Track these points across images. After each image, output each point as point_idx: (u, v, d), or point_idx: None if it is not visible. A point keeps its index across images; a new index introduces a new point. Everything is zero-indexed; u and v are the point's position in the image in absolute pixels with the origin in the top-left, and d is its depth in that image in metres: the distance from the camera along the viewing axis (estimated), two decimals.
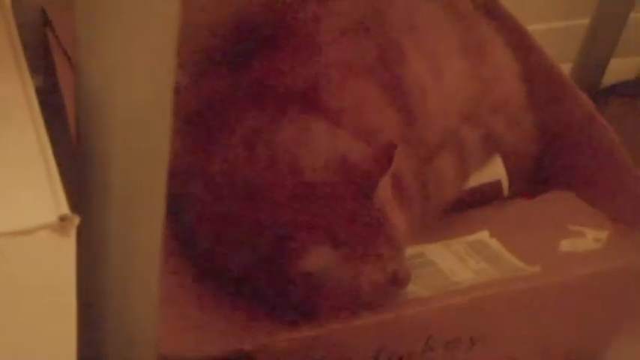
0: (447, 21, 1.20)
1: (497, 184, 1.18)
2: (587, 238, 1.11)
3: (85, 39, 0.60)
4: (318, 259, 0.91)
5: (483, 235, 1.11)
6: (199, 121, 1.03)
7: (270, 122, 0.99)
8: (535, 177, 1.23)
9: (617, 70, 1.50)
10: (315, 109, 1.01)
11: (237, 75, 1.05)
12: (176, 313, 0.93)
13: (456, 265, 1.06)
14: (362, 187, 0.94)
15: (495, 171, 1.18)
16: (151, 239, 0.66)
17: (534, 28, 1.32)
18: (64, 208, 0.56)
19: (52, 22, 1.17)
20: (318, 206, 0.92)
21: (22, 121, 0.62)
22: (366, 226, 0.93)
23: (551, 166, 1.23)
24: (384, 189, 0.96)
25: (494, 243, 1.10)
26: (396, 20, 1.14)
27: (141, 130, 0.61)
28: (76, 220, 0.55)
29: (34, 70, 1.17)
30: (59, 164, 0.61)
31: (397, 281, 0.95)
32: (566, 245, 1.09)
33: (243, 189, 0.94)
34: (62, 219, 0.55)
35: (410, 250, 1.03)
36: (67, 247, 0.56)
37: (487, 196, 1.18)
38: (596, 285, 1.07)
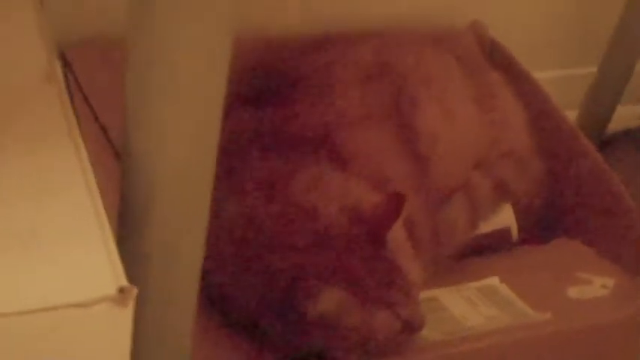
0: (457, 69, 1.22)
1: (506, 231, 1.20)
2: (594, 285, 1.12)
3: (134, 107, 0.62)
4: (331, 299, 0.92)
5: (493, 280, 1.12)
6: (217, 163, 1.04)
7: (284, 168, 1.01)
8: (543, 222, 1.24)
9: (623, 117, 1.52)
10: (330, 157, 1.03)
11: (256, 120, 1.07)
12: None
13: (467, 310, 1.07)
14: (374, 234, 0.95)
15: (505, 218, 1.19)
16: (191, 273, 0.67)
17: (541, 75, 1.34)
18: (123, 280, 0.56)
19: (71, 65, 1.19)
20: (331, 251, 0.94)
21: (77, 189, 0.63)
22: (379, 271, 0.95)
23: (557, 212, 1.24)
24: (397, 236, 0.97)
25: (504, 289, 1.11)
26: (407, 69, 1.16)
27: (184, 192, 0.62)
28: (134, 291, 0.56)
29: None
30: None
31: (411, 327, 0.97)
32: (574, 292, 1.11)
33: (258, 232, 0.96)
34: (121, 291, 0.55)
35: (422, 295, 1.03)
36: (125, 317, 0.56)
37: (497, 242, 1.19)
38: (605, 332, 1.08)
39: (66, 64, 1.20)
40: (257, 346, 0.97)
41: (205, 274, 0.99)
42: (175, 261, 0.65)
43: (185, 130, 0.61)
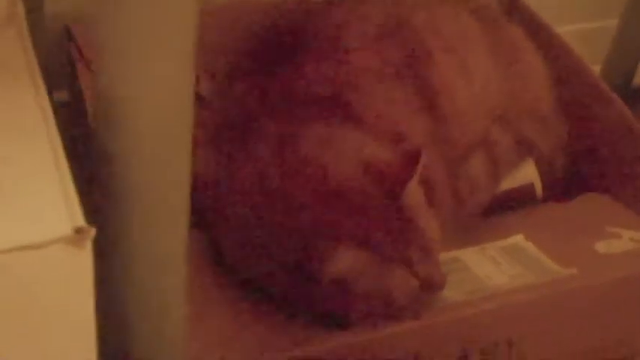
0: (474, 24, 1.19)
1: (530, 187, 1.17)
2: (623, 239, 1.09)
3: (105, 47, 0.60)
4: (347, 261, 0.89)
5: (518, 238, 1.09)
6: (229, 130, 1.03)
7: (297, 128, 0.98)
8: (568, 180, 1.21)
9: None
10: (342, 115, 1.01)
11: (266, 83, 1.05)
12: (207, 326, 0.92)
13: (491, 269, 1.04)
14: (389, 190, 0.93)
15: (528, 174, 1.17)
16: (175, 244, 0.65)
17: (563, 29, 1.31)
18: (80, 220, 0.55)
19: (75, 39, 1.17)
20: (345, 210, 0.91)
21: (36, 134, 0.62)
22: (395, 229, 0.92)
23: (584, 168, 1.22)
24: (414, 193, 0.94)
25: (529, 246, 1.08)
26: (421, 24, 1.13)
27: (162, 137, 0.60)
28: (92, 231, 0.54)
29: (59, 86, 1.18)
30: (80, 178, 0.60)
31: (431, 286, 0.94)
32: (602, 247, 1.08)
33: (271, 195, 0.94)
34: (77, 231, 0.54)
35: (445, 255, 1.01)
36: (83, 259, 0.55)
37: (520, 199, 1.16)
38: (633, 285, 1.05)
39: (71, 39, 1.19)
40: (276, 312, 0.94)
41: (219, 238, 0.99)
42: (159, 211, 0.62)
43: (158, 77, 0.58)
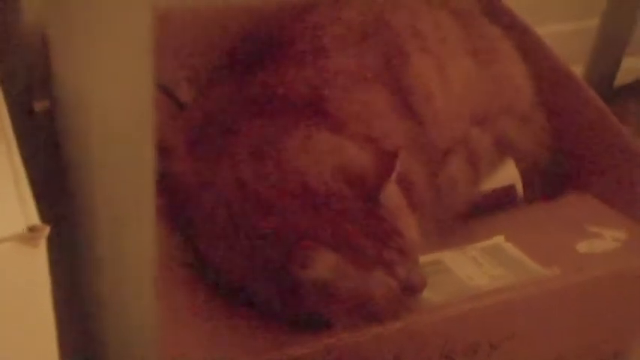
0: (453, 26, 1.19)
1: (511, 189, 1.17)
2: (605, 239, 1.09)
3: (60, 49, 0.60)
4: (326, 264, 0.89)
5: (499, 239, 1.09)
6: (209, 133, 1.03)
7: (275, 132, 0.98)
8: (549, 179, 1.21)
9: (631, 68, 1.48)
10: (320, 118, 1.01)
11: (244, 87, 1.05)
12: (188, 327, 0.91)
13: (473, 271, 1.04)
14: (367, 193, 0.92)
15: (509, 175, 1.17)
16: (142, 244, 0.64)
17: (543, 30, 1.31)
18: (34, 219, 0.54)
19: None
20: (324, 214, 0.91)
21: None
22: (374, 231, 0.92)
23: (565, 167, 1.21)
24: (393, 194, 0.94)
25: (510, 247, 1.08)
26: (400, 26, 1.13)
27: (120, 138, 0.60)
28: (46, 230, 0.54)
29: (41, 94, 1.17)
30: (61, 189, 0.60)
31: (411, 288, 0.94)
32: (584, 246, 1.08)
33: (251, 199, 0.93)
34: (31, 229, 0.54)
35: (426, 258, 1.01)
36: (38, 257, 0.54)
37: (502, 200, 1.16)
38: (615, 285, 1.05)
39: (49, 48, 1.18)
40: (257, 314, 0.94)
41: (198, 242, 0.99)
42: (123, 211, 0.62)
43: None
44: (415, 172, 1.03)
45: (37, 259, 0.54)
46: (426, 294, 0.96)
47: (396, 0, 1.18)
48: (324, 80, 1.05)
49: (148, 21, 0.57)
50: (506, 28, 1.27)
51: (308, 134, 0.98)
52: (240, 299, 0.94)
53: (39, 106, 1.20)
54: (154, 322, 0.67)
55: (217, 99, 1.07)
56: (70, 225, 0.62)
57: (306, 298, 0.91)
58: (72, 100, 0.59)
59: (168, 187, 0.96)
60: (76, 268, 0.57)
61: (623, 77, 1.48)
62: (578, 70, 1.40)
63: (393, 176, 0.93)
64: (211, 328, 0.93)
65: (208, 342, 0.91)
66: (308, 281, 0.89)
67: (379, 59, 1.08)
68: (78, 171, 0.60)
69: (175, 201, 0.99)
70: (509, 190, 1.17)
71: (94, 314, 0.64)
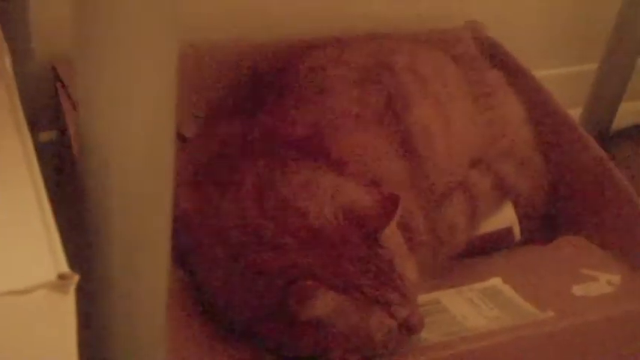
0: (454, 70, 1.21)
1: (508, 231, 1.18)
2: (600, 282, 1.10)
3: (85, 91, 0.61)
4: (325, 303, 0.90)
5: (496, 281, 1.10)
6: (211, 170, 1.04)
7: (278, 171, 0.99)
8: (546, 222, 1.23)
9: (628, 113, 1.50)
10: (322, 159, 1.02)
11: (247, 125, 1.06)
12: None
13: (469, 311, 1.05)
14: (368, 234, 0.94)
15: (507, 217, 1.18)
16: (156, 288, 0.66)
17: (542, 74, 1.33)
18: (63, 266, 0.55)
19: (62, 79, 1.19)
20: (325, 253, 0.92)
21: (20, 179, 0.62)
22: (374, 272, 0.93)
23: (561, 210, 1.23)
24: (393, 236, 0.96)
25: (506, 289, 1.09)
26: (401, 69, 1.14)
27: (141, 179, 0.61)
28: (75, 277, 0.55)
29: (46, 126, 1.19)
30: (69, 218, 0.61)
31: (409, 328, 0.95)
32: (579, 290, 1.09)
33: (251, 236, 0.95)
34: (61, 277, 0.54)
35: (424, 297, 1.02)
36: (67, 304, 0.55)
37: (499, 242, 1.18)
38: (610, 329, 1.06)
39: (58, 79, 1.20)
40: (256, 351, 0.95)
41: (199, 279, 1.00)
42: (139, 252, 0.63)
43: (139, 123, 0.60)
44: (414, 213, 1.05)
45: (66, 306, 0.55)
46: (423, 334, 0.97)
47: (398, 43, 1.20)
48: (326, 121, 1.06)
49: (173, 72, 0.59)
50: (507, 71, 1.29)
51: (310, 173, 0.99)
52: (241, 335, 0.95)
53: (44, 136, 1.22)
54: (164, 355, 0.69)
55: (220, 136, 1.08)
56: (81, 257, 0.63)
57: (304, 336, 0.92)
58: (96, 139, 0.60)
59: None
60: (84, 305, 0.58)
61: (620, 122, 1.50)
62: (575, 113, 1.42)
63: (395, 219, 0.94)
64: None
65: None
66: (306, 319, 0.91)
67: (381, 101, 1.10)
68: (95, 206, 0.62)
69: (176, 237, 1.00)
70: (506, 232, 1.18)
71: (105, 345, 0.66)
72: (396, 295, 0.93)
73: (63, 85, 1.19)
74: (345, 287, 0.91)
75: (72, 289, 0.55)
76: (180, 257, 1.00)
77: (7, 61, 0.75)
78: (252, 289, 0.93)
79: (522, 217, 1.19)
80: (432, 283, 1.05)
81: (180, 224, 1.01)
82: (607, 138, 1.46)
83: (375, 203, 0.95)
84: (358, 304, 0.92)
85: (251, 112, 1.09)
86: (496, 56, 1.33)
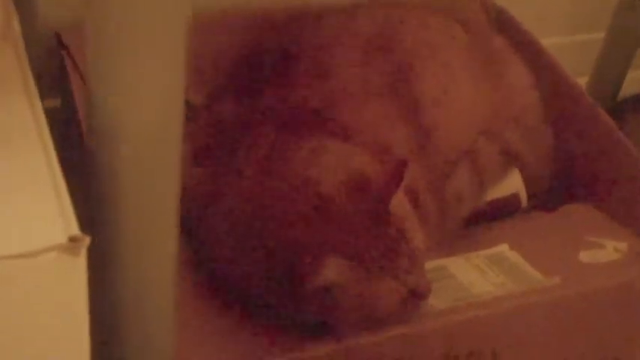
0: (461, 37, 1.20)
1: (515, 197, 1.18)
2: (607, 249, 1.10)
3: (95, 60, 0.61)
4: (333, 272, 0.90)
5: (503, 248, 1.10)
6: (218, 142, 1.04)
7: (285, 141, 0.99)
8: (553, 190, 1.22)
9: (634, 82, 1.50)
10: (329, 129, 1.02)
11: (253, 98, 1.06)
12: (194, 334, 0.92)
13: (476, 278, 1.05)
14: (376, 202, 0.94)
15: (513, 184, 1.18)
16: (165, 257, 0.66)
17: (549, 42, 1.32)
18: (74, 229, 0.55)
19: (67, 46, 1.18)
20: (332, 222, 0.92)
21: (30, 143, 0.62)
22: (382, 240, 0.93)
23: (568, 178, 1.23)
24: (401, 204, 0.95)
25: (513, 256, 1.09)
26: (408, 38, 1.14)
27: (151, 150, 0.61)
28: (87, 240, 0.55)
29: (51, 92, 1.18)
30: (73, 185, 0.61)
31: (417, 295, 0.95)
32: (586, 257, 1.09)
33: (259, 207, 0.95)
34: (72, 239, 0.54)
35: (430, 264, 1.02)
36: (78, 267, 0.55)
37: (505, 209, 1.17)
38: (616, 295, 1.07)
39: (63, 47, 1.20)
40: (263, 322, 0.95)
41: (207, 251, 1.00)
42: (148, 223, 0.63)
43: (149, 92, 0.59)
44: (421, 181, 1.04)
45: (78, 269, 0.55)
46: (430, 300, 0.98)
47: (406, 11, 1.20)
48: (333, 91, 1.06)
49: (184, 39, 0.58)
50: (514, 39, 1.28)
51: (317, 143, 0.99)
52: (249, 305, 0.96)
53: (48, 103, 1.21)
54: (173, 329, 0.69)
55: (228, 109, 1.08)
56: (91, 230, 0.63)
57: (313, 303, 0.92)
58: (106, 108, 0.60)
59: None
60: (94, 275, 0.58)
61: (627, 90, 1.49)
62: (582, 82, 1.41)
63: (402, 185, 0.94)
64: (217, 334, 0.94)
65: (214, 348, 0.93)
66: (315, 288, 0.90)
67: (388, 69, 1.10)
68: (105, 175, 0.62)
69: (182, 210, 1.00)
70: (513, 198, 1.18)
71: (111, 322, 0.66)
72: (405, 262, 0.93)
73: (68, 52, 1.18)
74: (353, 255, 0.91)
75: (83, 251, 0.55)
76: (184, 229, 1.00)
77: (17, 28, 0.75)
78: (260, 258, 0.93)
79: (528, 184, 1.19)
80: (438, 250, 1.05)
81: (185, 196, 1.01)
82: (613, 106, 1.46)
83: (382, 170, 0.95)
84: (366, 272, 0.91)
85: (256, 84, 1.08)
86: (504, 24, 1.32)
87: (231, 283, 0.97)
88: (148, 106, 0.60)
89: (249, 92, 1.08)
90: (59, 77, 1.19)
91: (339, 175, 0.95)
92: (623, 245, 1.11)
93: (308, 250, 0.90)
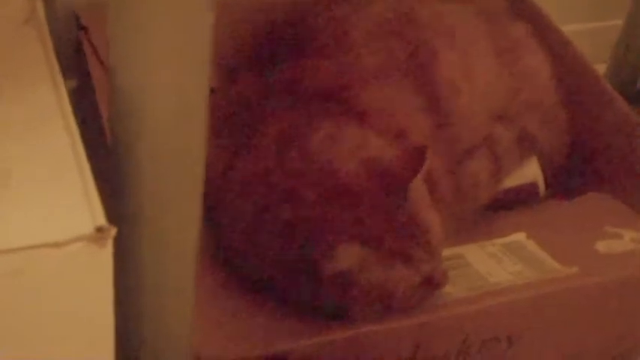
0: (479, 22, 1.20)
1: (533, 186, 1.18)
2: (624, 239, 1.10)
3: (119, 42, 0.60)
4: (349, 257, 0.90)
5: (520, 236, 1.10)
6: (232, 124, 1.03)
7: (302, 124, 0.99)
8: (570, 177, 1.22)
9: None
10: (347, 111, 1.01)
11: (270, 77, 1.05)
12: (210, 316, 0.92)
13: (492, 266, 1.05)
14: (394, 188, 0.93)
15: (531, 172, 1.18)
16: (187, 242, 0.66)
17: (569, 28, 1.31)
18: (101, 219, 0.55)
19: (85, 27, 1.18)
20: (349, 206, 0.92)
21: (56, 130, 0.62)
22: (399, 227, 0.92)
23: (587, 166, 1.22)
24: (418, 190, 0.95)
25: (530, 244, 1.09)
26: (427, 22, 1.13)
27: (175, 132, 0.61)
28: (113, 230, 0.55)
29: (68, 73, 1.18)
30: (93, 170, 0.61)
31: (432, 283, 0.95)
32: (603, 246, 1.09)
33: (275, 190, 0.94)
34: (99, 230, 0.54)
35: (447, 252, 1.02)
36: (104, 257, 0.55)
37: (523, 197, 1.17)
38: (633, 286, 1.06)
39: (81, 27, 1.19)
40: (278, 304, 0.95)
41: (223, 234, 0.99)
42: (168, 204, 0.63)
43: (174, 68, 0.59)
44: (438, 168, 1.04)
45: (104, 259, 0.55)
46: (447, 288, 0.97)
47: None
48: (350, 74, 1.05)
49: (210, 26, 0.58)
50: (533, 24, 1.27)
51: (334, 127, 0.98)
52: (261, 288, 0.96)
53: (66, 84, 1.21)
54: (192, 316, 0.69)
55: (243, 89, 1.07)
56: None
57: (328, 288, 0.91)
58: (130, 93, 0.60)
59: None
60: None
61: None
62: (601, 69, 1.41)
63: (422, 171, 0.93)
64: (233, 319, 0.94)
65: (228, 331, 0.92)
66: (330, 272, 0.90)
67: (405, 54, 1.09)
68: (125, 157, 0.61)
69: None
70: (531, 187, 1.18)
71: (132, 309, 0.66)
72: (420, 249, 0.93)
73: (86, 32, 1.18)
74: (368, 241, 0.91)
75: (109, 242, 0.55)
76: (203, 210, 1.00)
77: (41, 12, 0.74)
78: (276, 242, 0.93)
79: (547, 173, 1.19)
80: (455, 237, 1.04)
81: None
82: (633, 94, 1.45)
83: (401, 156, 0.95)
84: (381, 259, 0.91)
85: (273, 64, 1.08)
86: (522, 9, 1.31)
87: (246, 263, 0.97)
88: (171, 88, 0.60)
89: (267, 71, 1.07)
90: (76, 58, 1.19)
91: (357, 160, 0.95)
92: (639, 235, 1.11)
93: (323, 236, 0.90)
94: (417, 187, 0.94)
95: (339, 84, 1.04)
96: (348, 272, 0.91)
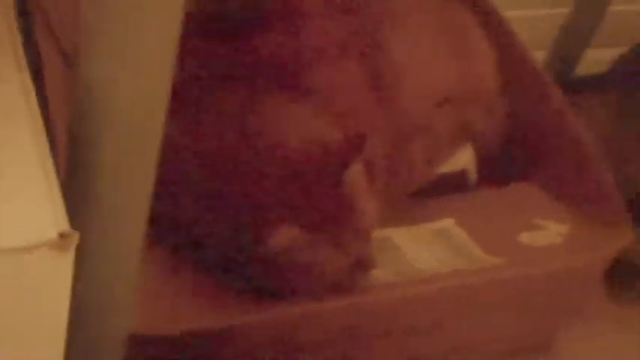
0: (427, 7, 1.20)
1: (463, 174, 1.19)
2: (549, 232, 1.12)
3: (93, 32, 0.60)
4: (283, 239, 0.91)
5: (449, 223, 1.12)
6: (187, 92, 1.03)
7: (245, 101, 0.99)
8: (502, 165, 1.24)
9: (592, 60, 1.51)
10: (292, 89, 1.01)
11: (218, 53, 1.05)
12: (150, 290, 0.93)
13: (420, 252, 1.07)
14: (332, 171, 0.94)
15: (464, 160, 1.19)
16: (137, 217, 0.66)
17: (513, 14, 1.32)
18: (64, 225, 0.54)
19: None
20: (289, 186, 0.93)
21: (22, 131, 0.60)
22: (334, 210, 0.94)
23: (518, 156, 1.24)
24: (356, 175, 0.96)
25: (458, 232, 1.11)
26: (375, 4, 1.14)
27: (136, 125, 0.61)
28: (76, 236, 0.54)
29: None
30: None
31: (361, 266, 0.97)
32: (526, 238, 1.11)
33: (222, 165, 0.95)
34: (62, 236, 0.54)
35: (376, 233, 1.03)
36: (66, 263, 0.55)
37: (453, 184, 1.18)
38: (557, 279, 1.09)
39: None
40: (220, 280, 0.97)
41: (173, 208, 1.00)
42: (125, 187, 0.63)
43: (139, 57, 0.59)
44: (377, 151, 1.05)
45: (65, 265, 0.55)
46: (374, 271, 0.99)
47: None
48: (297, 51, 1.05)
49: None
50: (478, 12, 1.27)
51: (277, 105, 0.99)
52: (205, 263, 0.97)
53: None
54: (133, 289, 0.69)
55: (188, 64, 1.07)
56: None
57: (262, 267, 0.93)
58: (96, 82, 0.60)
59: None
60: None
61: (582, 69, 1.51)
62: (541, 56, 1.42)
63: (360, 158, 0.95)
64: (173, 294, 0.95)
65: (168, 307, 0.94)
66: (265, 252, 0.92)
67: (354, 35, 1.09)
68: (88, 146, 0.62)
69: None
70: (461, 175, 1.19)
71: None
72: (353, 235, 0.95)
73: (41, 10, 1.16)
74: (303, 225, 0.92)
75: (72, 247, 0.54)
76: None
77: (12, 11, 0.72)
78: (220, 218, 0.94)
79: (480, 160, 1.20)
80: (384, 219, 1.06)
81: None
82: (568, 83, 1.47)
83: (341, 140, 0.96)
84: (314, 243, 0.93)
85: (223, 38, 1.07)
86: None
87: (193, 237, 0.98)
88: (140, 79, 0.60)
89: (214, 47, 1.07)
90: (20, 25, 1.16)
91: (299, 140, 0.96)
92: (564, 228, 1.13)
93: (263, 214, 0.91)
94: (355, 172, 0.96)
95: (285, 61, 1.04)
96: (282, 251, 0.92)
